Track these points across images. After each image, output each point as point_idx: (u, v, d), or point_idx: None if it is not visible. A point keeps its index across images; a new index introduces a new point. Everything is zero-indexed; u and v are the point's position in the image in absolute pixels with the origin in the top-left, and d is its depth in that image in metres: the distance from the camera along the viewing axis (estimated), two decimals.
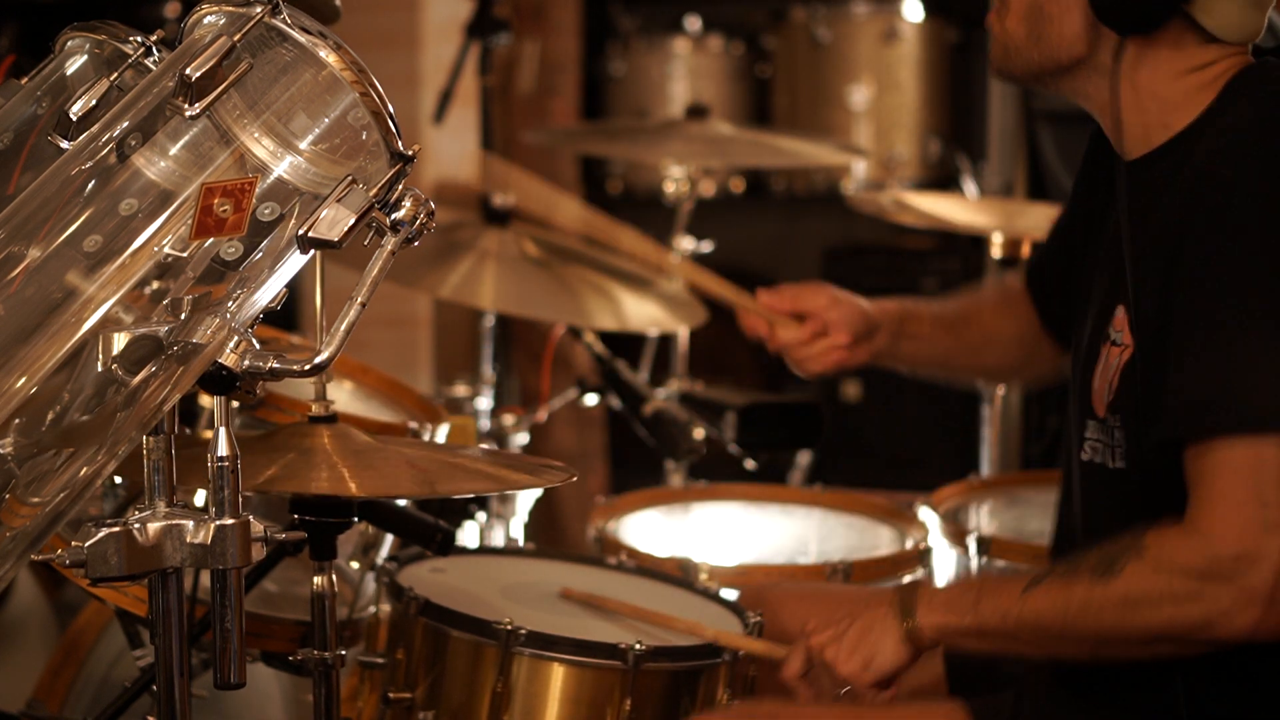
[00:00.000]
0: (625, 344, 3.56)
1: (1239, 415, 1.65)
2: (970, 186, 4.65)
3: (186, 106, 1.33)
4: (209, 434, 1.41)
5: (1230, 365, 1.67)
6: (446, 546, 2.11)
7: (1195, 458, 1.69)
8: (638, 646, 1.94)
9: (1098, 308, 1.91)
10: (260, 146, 1.36)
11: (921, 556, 2.64)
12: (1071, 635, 1.74)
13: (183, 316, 1.34)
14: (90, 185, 1.35)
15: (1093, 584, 1.71)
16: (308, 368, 1.36)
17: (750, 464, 3.14)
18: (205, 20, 1.39)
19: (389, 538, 2.34)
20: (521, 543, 2.97)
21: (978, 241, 4.28)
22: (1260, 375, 1.66)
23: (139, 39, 1.49)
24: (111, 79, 1.45)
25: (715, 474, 3.28)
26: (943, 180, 4.93)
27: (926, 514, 2.76)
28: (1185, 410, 1.69)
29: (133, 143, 1.36)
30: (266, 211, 1.35)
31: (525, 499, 3.01)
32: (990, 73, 1.96)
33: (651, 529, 2.82)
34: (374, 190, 1.36)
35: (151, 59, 1.47)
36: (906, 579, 2.60)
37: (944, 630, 1.83)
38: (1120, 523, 1.77)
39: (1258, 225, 1.68)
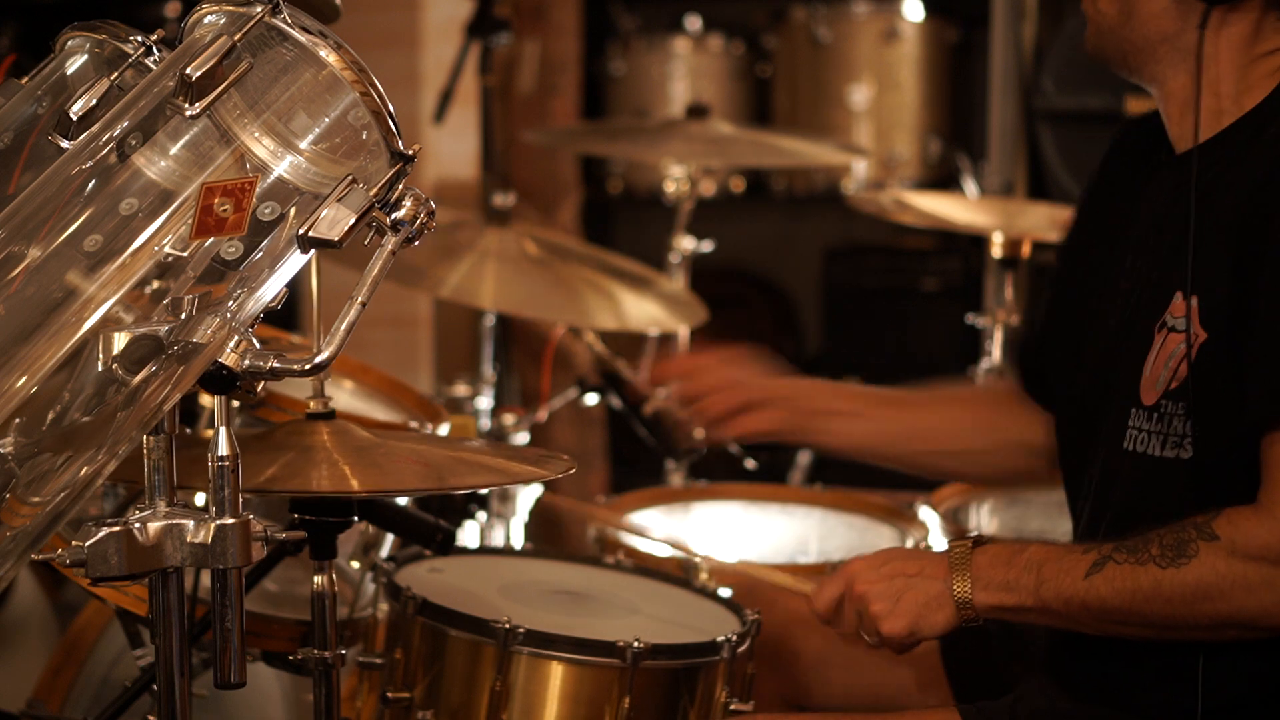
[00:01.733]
0: (625, 344, 3.56)
1: None
2: (970, 186, 4.65)
3: (187, 106, 1.33)
4: (209, 433, 1.41)
5: None
6: (447, 546, 2.11)
7: (1272, 443, 1.68)
8: (636, 645, 1.94)
9: (1147, 296, 1.88)
10: (260, 146, 1.36)
11: None
12: (1137, 620, 1.73)
13: (183, 316, 1.34)
14: (90, 185, 1.35)
15: (1163, 569, 1.70)
16: (308, 367, 1.36)
17: (750, 464, 3.14)
18: (205, 20, 1.39)
19: (389, 537, 2.34)
20: (521, 542, 2.97)
21: (978, 241, 4.28)
22: None
23: (139, 38, 1.49)
24: (112, 79, 1.45)
25: (715, 474, 3.28)
26: (943, 180, 4.93)
27: (926, 514, 2.76)
28: (1267, 398, 1.68)
29: (133, 142, 1.36)
30: (267, 211, 1.35)
31: (525, 498, 3.02)
32: (1088, 53, 1.94)
33: (652, 529, 2.82)
34: (374, 190, 1.36)
35: (152, 59, 1.47)
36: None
37: (1000, 610, 1.82)
38: (1175, 512, 1.76)
39: None
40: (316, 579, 1.84)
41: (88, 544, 1.34)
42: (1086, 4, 1.91)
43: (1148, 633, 1.76)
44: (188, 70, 1.32)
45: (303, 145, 1.37)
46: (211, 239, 1.34)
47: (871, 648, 1.92)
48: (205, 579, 1.47)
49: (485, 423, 3.36)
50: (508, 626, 1.95)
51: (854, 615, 1.91)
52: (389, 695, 2.04)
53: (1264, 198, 1.72)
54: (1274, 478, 1.67)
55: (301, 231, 1.34)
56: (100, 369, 1.33)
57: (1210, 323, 1.75)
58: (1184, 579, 1.69)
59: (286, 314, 1.49)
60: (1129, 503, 1.88)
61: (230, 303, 1.35)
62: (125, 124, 1.37)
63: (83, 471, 1.32)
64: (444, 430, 2.45)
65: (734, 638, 2.02)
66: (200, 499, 1.69)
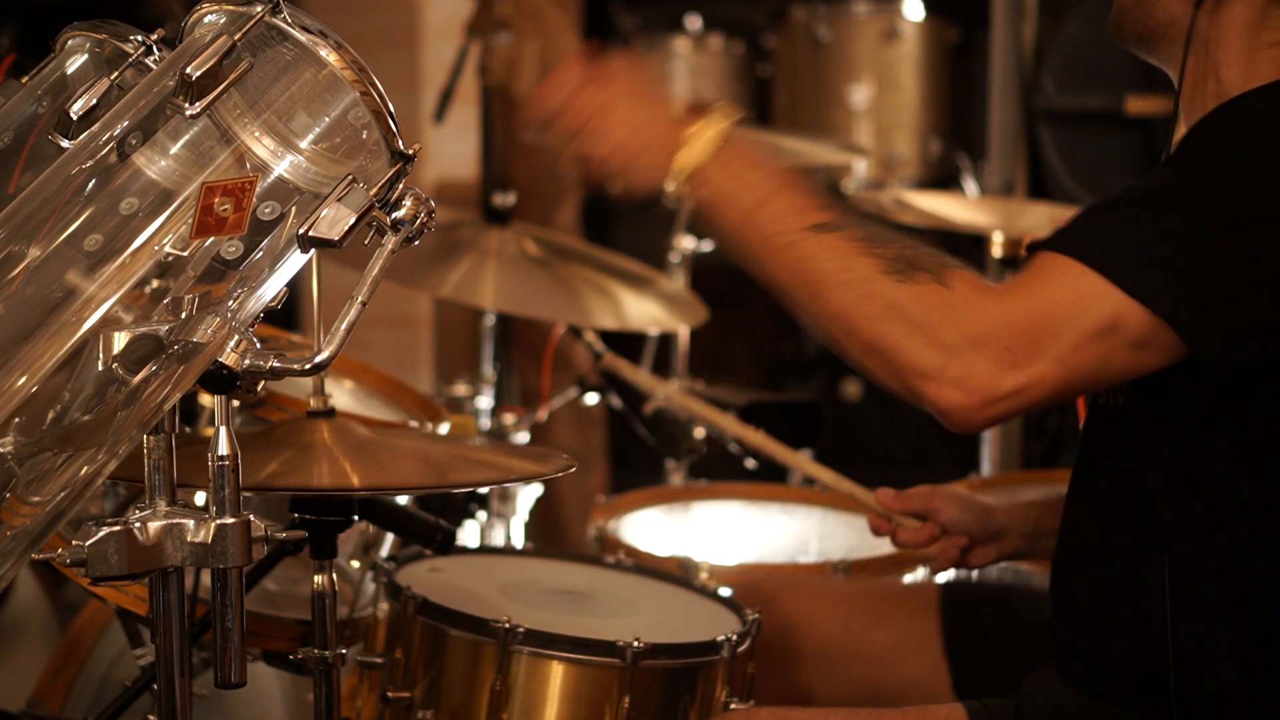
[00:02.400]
0: (625, 343, 3.56)
1: (1106, 254, 1.63)
2: (971, 186, 4.65)
3: (187, 106, 1.33)
4: (210, 432, 1.41)
5: (1127, 222, 1.66)
6: (447, 546, 2.11)
7: (1039, 257, 1.66)
8: (636, 644, 1.94)
9: None
10: (261, 145, 1.36)
11: (923, 556, 2.64)
12: (817, 294, 1.68)
13: (183, 316, 1.34)
14: (91, 184, 1.35)
15: (881, 273, 1.65)
16: (308, 367, 1.36)
17: (750, 464, 3.14)
18: (206, 19, 1.39)
19: (389, 537, 2.34)
20: (522, 542, 2.97)
21: (978, 241, 4.27)
22: (1145, 240, 1.63)
23: (139, 38, 1.49)
24: (112, 78, 1.45)
25: (715, 473, 3.28)
26: (943, 179, 4.93)
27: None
28: (1068, 229, 1.67)
29: (133, 142, 1.36)
30: (267, 210, 1.35)
31: (525, 498, 3.02)
32: (1110, 33, 1.92)
33: (652, 528, 2.82)
34: (374, 189, 1.36)
35: (152, 58, 1.47)
36: (905, 578, 2.60)
37: (710, 200, 1.75)
38: (1122, 461, 1.77)
39: (1237, 167, 1.67)
40: (316, 579, 1.84)
41: (88, 544, 1.34)
42: None
43: (812, 308, 1.69)
44: (188, 70, 1.32)
45: (303, 145, 1.37)
46: (211, 238, 1.34)
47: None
48: (205, 579, 1.47)
49: (485, 422, 3.36)
50: (508, 626, 1.95)
51: (581, 114, 1.80)
52: (389, 695, 2.04)
53: (1200, 144, 1.73)
54: (1019, 278, 1.66)
55: (301, 231, 1.34)
56: (100, 369, 1.33)
57: None
58: (888, 291, 1.65)
59: (286, 314, 1.49)
60: (1086, 453, 1.88)
61: (230, 302, 1.35)
62: (125, 123, 1.37)
63: (83, 471, 1.32)
64: (444, 430, 2.45)
65: (734, 637, 2.02)
66: (200, 498, 1.70)
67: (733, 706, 2.02)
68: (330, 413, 1.91)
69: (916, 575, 2.61)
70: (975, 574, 2.56)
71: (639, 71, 1.82)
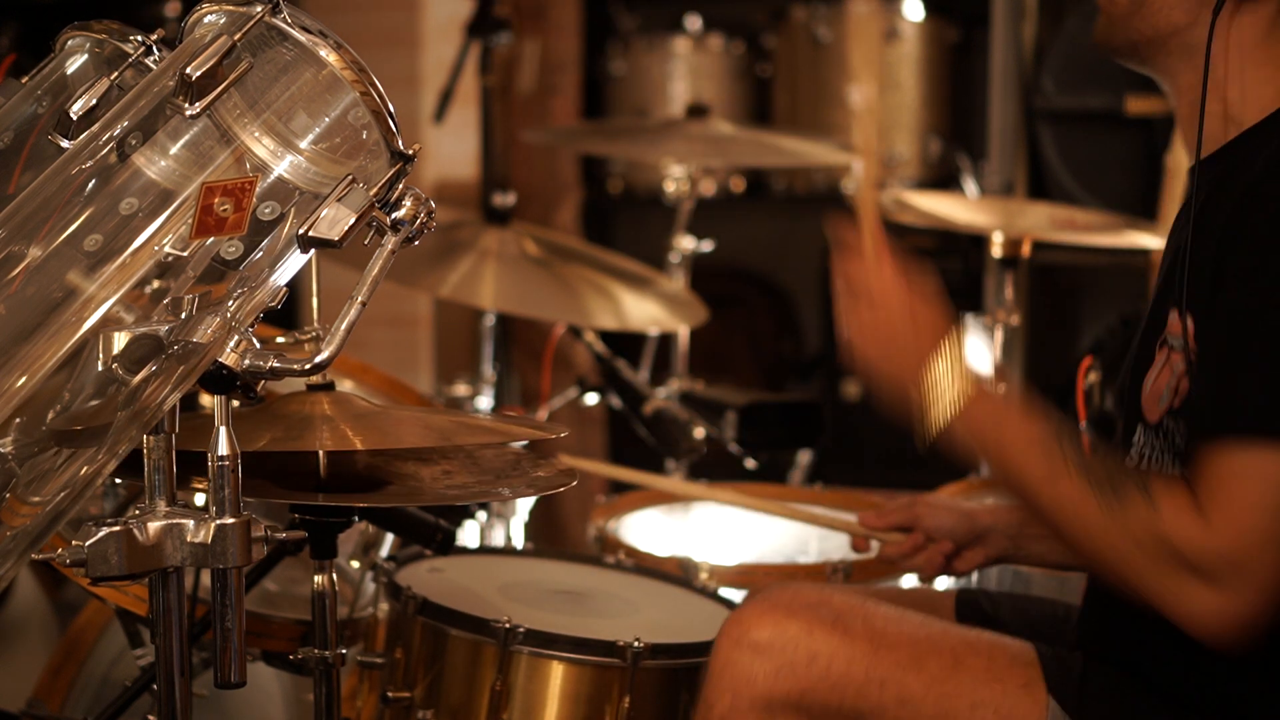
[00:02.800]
0: (625, 343, 3.56)
1: (1262, 421, 1.64)
2: (971, 186, 4.65)
3: (187, 106, 1.33)
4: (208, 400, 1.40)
5: (1259, 369, 1.66)
6: (447, 546, 2.11)
7: (1209, 455, 1.67)
8: (636, 644, 1.94)
9: (1151, 311, 1.89)
10: (260, 146, 1.36)
11: None
12: (1062, 535, 1.76)
13: (183, 316, 1.34)
14: (90, 184, 1.35)
15: (1101, 508, 1.70)
16: (308, 367, 1.36)
17: (750, 464, 3.14)
18: (205, 19, 1.39)
19: (389, 537, 2.34)
20: (522, 542, 2.97)
21: (978, 241, 4.27)
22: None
23: (139, 38, 1.49)
24: (112, 78, 1.45)
25: (715, 474, 3.28)
26: (943, 180, 4.93)
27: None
28: (1209, 409, 1.68)
29: (133, 142, 1.36)
30: (267, 211, 1.35)
31: (525, 499, 3.02)
32: (1096, 42, 1.92)
33: (651, 528, 2.82)
34: (374, 189, 1.36)
35: (152, 58, 1.47)
36: (905, 579, 2.60)
37: (962, 432, 1.81)
38: None
39: None
40: (316, 579, 1.84)
41: (88, 544, 1.34)
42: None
43: (1059, 543, 1.80)
44: (188, 70, 1.32)
45: (303, 145, 1.37)
46: (211, 239, 1.34)
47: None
48: (205, 579, 1.47)
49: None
50: (508, 626, 1.95)
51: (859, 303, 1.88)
52: (389, 695, 2.04)
53: (1230, 226, 1.71)
54: (1208, 487, 1.67)
55: (301, 231, 1.34)
56: (100, 369, 1.33)
57: (1200, 340, 1.74)
58: (1109, 525, 1.70)
59: (286, 314, 1.49)
60: None
61: (230, 302, 1.35)
62: (125, 124, 1.37)
63: (83, 471, 1.32)
64: None
65: None
66: (200, 499, 1.69)
67: None
68: (329, 386, 1.90)
69: (916, 576, 2.61)
70: (975, 579, 2.56)
71: (915, 293, 1.90)
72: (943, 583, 2.60)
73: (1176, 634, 1.73)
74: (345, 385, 2.53)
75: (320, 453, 1.82)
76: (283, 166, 1.36)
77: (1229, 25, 1.78)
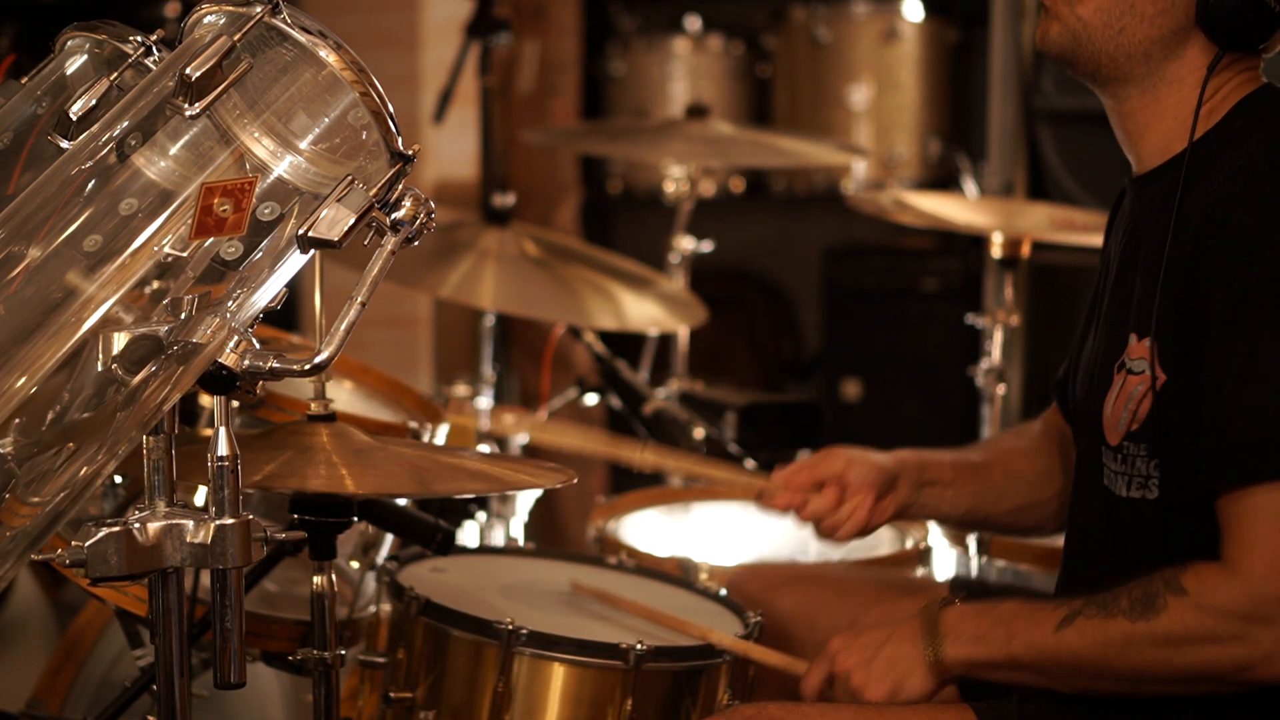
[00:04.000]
0: (625, 344, 3.56)
1: (1274, 462, 1.66)
2: (970, 186, 4.65)
3: (186, 106, 1.33)
4: (209, 432, 1.41)
5: (1260, 410, 1.68)
6: (447, 546, 2.11)
7: (1233, 501, 1.69)
8: (639, 646, 1.94)
9: (1105, 332, 1.90)
10: (260, 146, 1.36)
11: (921, 556, 2.64)
12: (1109, 674, 1.74)
13: (183, 316, 1.34)
14: (90, 185, 1.35)
15: (1132, 622, 1.71)
16: (308, 367, 1.36)
17: (750, 464, 3.14)
18: (205, 20, 1.39)
19: (389, 537, 2.34)
20: (521, 542, 2.97)
21: (978, 241, 4.28)
22: None
23: (139, 39, 1.49)
24: (111, 79, 1.45)
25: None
26: (943, 180, 4.93)
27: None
28: (1224, 455, 1.69)
29: (133, 142, 1.36)
30: (266, 211, 1.35)
31: (525, 499, 3.02)
32: (1040, 47, 1.92)
33: (651, 529, 2.82)
34: (374, 190, 1.36)
35: (151, 59, 1.47)
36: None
37: (973, 664, 1.84)
38: (1148, 550, 1.79)
39: (1273, 261, 1.69)
40: (316, 579, 1.84)
41: (88, 544, 1.34)
42: (1061, 5, 1.88)
43: (1120, 687, 1.77)
44: (187, 70, 1.32)
45: (302, 145, 1.37)
46: (211, 239, 1.34)
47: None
48: (205, 579, 1.47)
49: (485, 423, 3.36)
50: (510, 627, 1.95)
51: (843, 691, 1.91)
52: (391, 695, 2.04)
53: (1202, 258, 1.72)
54: (1235, 536, 1.69)
55: (301, 231, 1.34)
56: (100, 369, 1.32)
57: (1165, 364, 1.76)
58: (1153, 631, 1.70)
59: (286, 314, 1.49)
60: (1103, 541, 1.90)
61: (230, 303, 1.35)
62: (125, 124, 1.37)
63: (82, 472, 1.32)
64: (443, 430, 2.45)
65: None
66: (200, 499, 1.69)
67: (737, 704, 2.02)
68: (330, 417, 1.91)
69: (916, 574, 2.61)
70: (975, 572, 2.56)
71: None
72: (941, 573, 2.60)
73: None
74: (345, 385, 2.53)
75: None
76: (282, 167, 1.36)
77: (1180, 65, 1.83)
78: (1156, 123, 1.86)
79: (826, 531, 2.22)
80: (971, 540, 2.57)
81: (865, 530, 2.21)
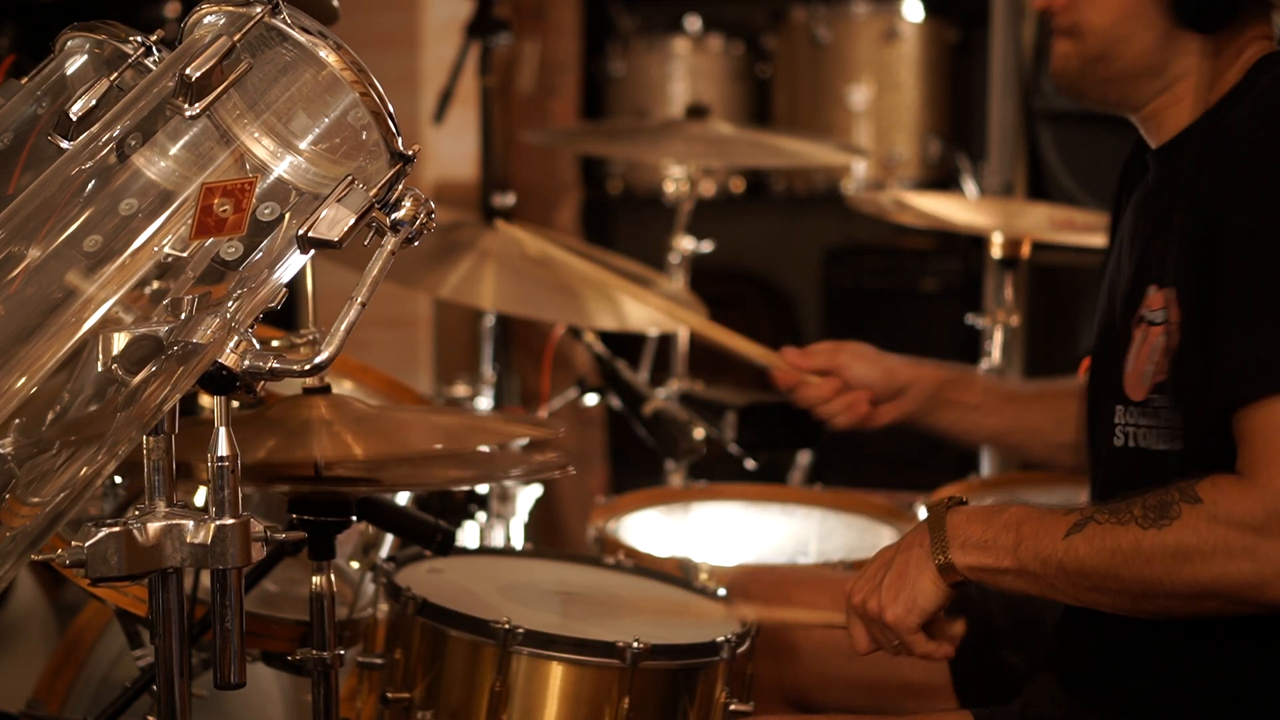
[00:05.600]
0: (625, 344, 3.56)
1: None
2: (970, 186, 4.65)
3: (186, 106, 1.33)
4: (208, 400, 1.41)
5: (1275, 330, 1.67)
6: (446, 546, 2.11)
7: (1249, 418, 1.67)
8: (635, 645, 1.94)
9: (1123, 291, 1.90)
10: (260, 146, 1.36)
11: None
12: (1115, 584, 1.71)
13: (183, 316, 1.34)
14: (90, 185, 1.35)
15: (1143, 531, 1.67)
16: (308, 367, 1.36)
17: (750, 464, 3.14)
18: (205, 20, 1.39)
19: (389, 537, 2.34)
20: (522, 543, 2.97)
21: (978, 241, 4.28)
22: None
23: (139, 39, 1.49)
24: (111, 79, 1.45)
25: (715, 474, 3.28)
26: (943, 180, 4.93)
27: (926, 514, 2.76)
28: (1239, 374, 1.68)
29: (133, 143, 1.36)
30: (266, 211, 1.35)
31: (525, 499, 3.02)
32: (1055, 88, 2.00)
33: (651, 529, 2.82)
34: (374, 190, 1.36)
35: (151, 59, 1.47)
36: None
37: (980, 570, 1.79)
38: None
39: None
40: (315, 579, 1.84)
41: (87, 544, 1.34)
42: (1061, 43, 1.94)
43: (1124, 601, 1.73)
44: (187, 70, 1.32)
45: (302, 145, 1.37)
46: (211, 239, 1.34)
47: (899, 656, 1.89)
48: (205, 579, 1.47)
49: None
50: (507, 627, 1.95)
51: (877, 630, 1.87)
52: (389, 695, 2.04)
53: (1223, 184, 1.73)
54: (1254, 449, 1.67)
55: (301, 232, 1.34)
56: (100, 369, 1.32)
57: (1185, 312, 1.76)
58: (1165, 540, 1.66)
59: (286, 314, 1.49)
60: (1108, 489, 1.88)
61: (230, 303, 1.35)
62: (125, 124, 1.37)
63: (82, 472, 1.32)
64: None
65: (733, 638, 2.02)
66: (200, 499, 1.70)
67: (732, 708, 2.02)
68: (326, 389, 1.90)
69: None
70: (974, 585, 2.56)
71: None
72: None
73: (1154, 657, 1.75)
74: (345, 386, 2.53)
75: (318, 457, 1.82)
76: (282, 167, 1.36)
77: (1188, 50, 1.86)
78: (1174, 107, 1.89)
79: (825, 417, 2.27)
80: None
81: (865, 425, 2.23)
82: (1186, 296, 1.75)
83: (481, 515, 2.76)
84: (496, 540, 2.96)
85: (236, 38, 1.33)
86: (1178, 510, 1.67)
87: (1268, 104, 1.77)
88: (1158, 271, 1.81)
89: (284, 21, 1.36)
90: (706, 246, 3.68)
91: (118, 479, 2.12)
